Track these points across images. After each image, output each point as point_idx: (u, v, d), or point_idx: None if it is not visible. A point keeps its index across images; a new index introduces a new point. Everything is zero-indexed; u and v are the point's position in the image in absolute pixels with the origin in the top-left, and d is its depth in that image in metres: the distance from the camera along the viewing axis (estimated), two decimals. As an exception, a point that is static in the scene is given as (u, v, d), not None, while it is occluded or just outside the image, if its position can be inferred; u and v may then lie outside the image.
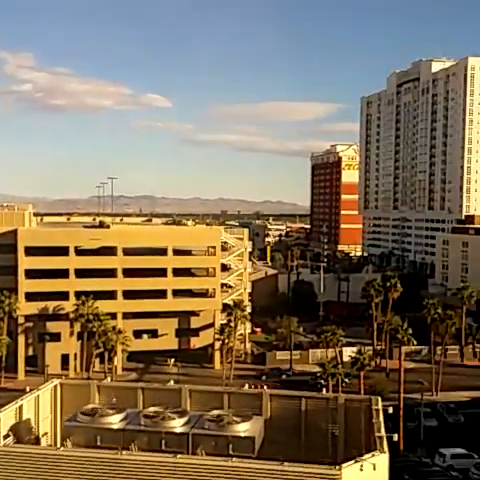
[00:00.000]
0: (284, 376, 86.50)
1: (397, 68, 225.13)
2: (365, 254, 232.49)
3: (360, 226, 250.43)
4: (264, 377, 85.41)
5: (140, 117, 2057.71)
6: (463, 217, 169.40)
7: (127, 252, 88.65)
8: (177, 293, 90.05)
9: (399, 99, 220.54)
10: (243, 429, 31.87)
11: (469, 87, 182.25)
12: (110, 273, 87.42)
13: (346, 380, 76.20)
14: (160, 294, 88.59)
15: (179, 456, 27.72)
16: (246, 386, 39.40)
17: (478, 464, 55.92)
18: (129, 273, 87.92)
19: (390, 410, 36.37)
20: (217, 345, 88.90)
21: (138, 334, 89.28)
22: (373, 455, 27.64)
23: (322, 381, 68.09)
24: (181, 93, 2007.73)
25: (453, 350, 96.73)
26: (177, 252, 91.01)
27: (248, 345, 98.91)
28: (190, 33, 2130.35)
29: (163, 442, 31.28)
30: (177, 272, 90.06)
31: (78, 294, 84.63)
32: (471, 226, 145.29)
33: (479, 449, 59.88)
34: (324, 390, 41.45)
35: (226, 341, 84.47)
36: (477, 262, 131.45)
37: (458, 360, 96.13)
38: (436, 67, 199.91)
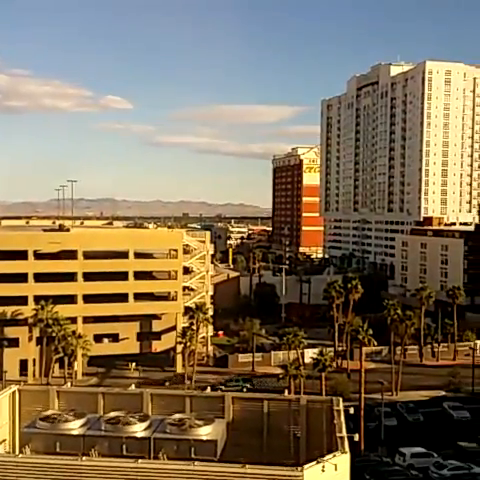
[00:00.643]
0: (244, 389, 76.53)
1: (357, 72, 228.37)
2: (326, 256, 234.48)
3: (321, 228, 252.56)
4: (167, 383, 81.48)
5: (100, 119, 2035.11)
6: (421, 219, 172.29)
7: (88, 255, 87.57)
8: (138, 296, 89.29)
9: (359, 102, 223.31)
10: (205, 432, 31.76)
11: (427, 91, 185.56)
12: (70, 277, 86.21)
13: (246, 385, 77.27)
14: (121, 298, 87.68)
15: (140, 461, 27.47)
16: (208, 389, 39.30)
17: (437, 463, 56.77)
18: (90, 277, 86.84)
19: (351, 410, 36.66)
20: (179, 348, 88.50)
21: (99, 338, 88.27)
22: (334, 456, 27.84)
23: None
24: (142, 95, 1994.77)
25: (412, 350, 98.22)
26: (138, 255, 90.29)
27: (210, 348, 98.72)
28: (151, 35, 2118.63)
29: (124, 447, 30.97)
30: (138, 275, 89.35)
31: (37, 298, 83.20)
32: (429, 228, 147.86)
33: (438, 448, 60.89)
34: (286, 392, 41.48)
35: (188, 344, 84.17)
36: (435, 263, 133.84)
37: (417, 360, 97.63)
38: (395, 71, 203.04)
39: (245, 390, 73.99)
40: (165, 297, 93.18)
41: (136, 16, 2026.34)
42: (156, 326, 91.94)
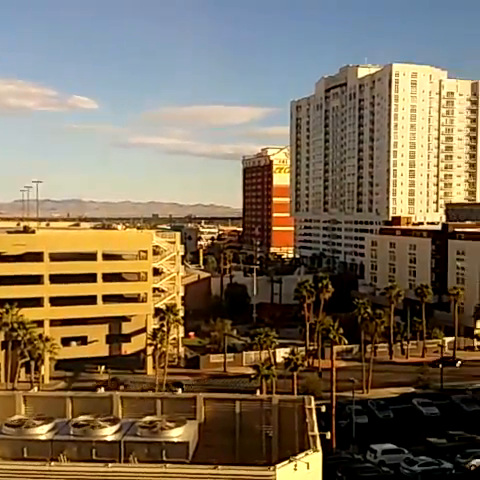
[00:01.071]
0: None
1: (326, 73, 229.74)
2: (297, 256, 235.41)
3: (292, 228, 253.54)
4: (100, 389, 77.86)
5: (67, 119, 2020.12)
6: (390, 218, 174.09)
7: (54, 257, 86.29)
8: (107, 298, 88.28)
9: (327, 104, 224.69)
10: (177, 434, 31.46)
11: (393, 92, 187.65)
12: (36, 279, 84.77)
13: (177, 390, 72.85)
14: (90, 300, 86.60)
15: (111, 465, 27.06)
16: (180, 391, 38.96)
17: (408, 459, 57.25)
18: (57, 279, 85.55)
19: (323, 409, 36.74)
20: (149, 350, 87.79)
21: (66, 341, 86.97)
22: (306, 454, 27.81)
23: None
24: (110, 95, 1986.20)
25: (382, 348, 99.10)
26: (107, 257, 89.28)
27: (181, 349, 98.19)
28: (119, 35, 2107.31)
29: (94, 451, 30.49)
30: (107, 277, 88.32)
31: (1, 302, 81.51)
32: (397, 227, 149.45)
33: (409, 444, 61.45)
34: (258, 392, 41.40)
35: (159, 346, 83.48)
36: (403, 262, 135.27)
37: (387, 358, 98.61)
38: (362, 73, 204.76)
39: None
40: (135, 299, 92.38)
41: (103, 16, 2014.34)
42: (126, 328, 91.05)
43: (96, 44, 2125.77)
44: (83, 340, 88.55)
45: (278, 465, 26.52)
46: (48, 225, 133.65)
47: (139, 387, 77.98)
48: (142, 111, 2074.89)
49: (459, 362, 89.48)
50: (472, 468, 56.49)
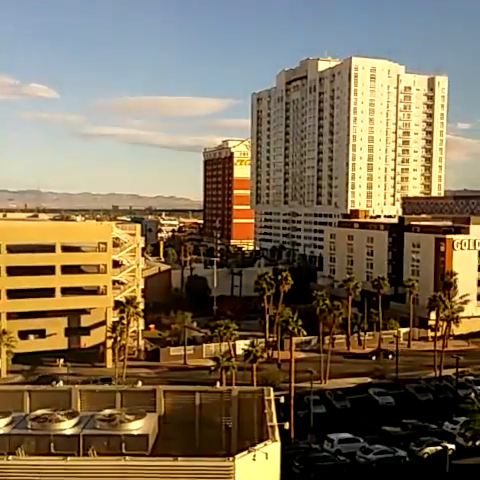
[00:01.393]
0: None
1: (287, 66, 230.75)
2: (257, 248, 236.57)
3: (252, 221, 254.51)
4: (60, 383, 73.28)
5: (24, 108, 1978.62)
6: (349, 211, 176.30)
7: (11, 249, 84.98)
8: (66, 291, 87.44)
9: (288, 96, 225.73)
10: (136, 427, 31.64)
11: (353, 86, 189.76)
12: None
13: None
14: (48, 292, 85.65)
15: (69, 458, 27.11)
16: (139, 383, 39.06)
17: (364, 447, 58.51)
18: (14, 271, 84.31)
19: (282, 400, 37.32)
20: (109, 343, 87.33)
21: (24, 335, 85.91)
22: (265, 444, 28.34)
23: None
24: (69, 84, 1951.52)
25: (340, 339, 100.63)
26: (66, 249, 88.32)
27: (141, 342, 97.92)
28: (80, 23, 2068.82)
29: (52, 445, 30.48)
30: (66, 269, 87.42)
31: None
32: (356, 220, 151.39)
33: (364, 433, 62.75)
34: (218, 383, 41.75)
35: (118, 339, 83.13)
36: (361, 254, 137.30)
37: (345, 348, 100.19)
38: (322, 66, 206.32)
39: None
40: (94, 291, 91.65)
41: (64, 4, 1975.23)
42: (85, 321, 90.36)
43: (56, 32, 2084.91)
44: (41, 333, 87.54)
45: (237, 456, 26.95)
46: (5, 216, 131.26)
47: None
48: (102, 101, 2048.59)
49: (390, 356, 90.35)
50: (425, 456, 58.09)
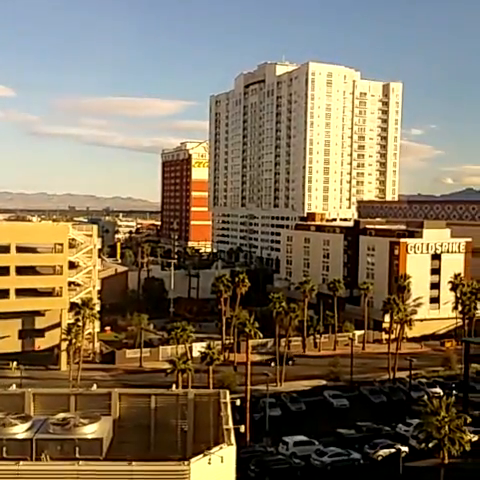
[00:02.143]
0: None
1: (245, 69, 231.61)
2: (214, 250, 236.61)
3: (210, 223, 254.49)
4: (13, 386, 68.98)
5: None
6: (305, 214, 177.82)
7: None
8: (21, 292, 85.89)
9: (246, 100, 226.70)
10: (90, 431, 31.30)
11: (310, 91, 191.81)
12: None
13: None
14: (2, 293, 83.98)
15: (22, 463, 26.68)
16: (94, 386, 38.66)
17: (318, 450, 59.06)
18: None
19: (238, 402, 37.50)
20: (64, 345, 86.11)
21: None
22: (221, 448, 28.37)
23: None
24: (26, 83, 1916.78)
25: (296, 341, 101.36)
26: (21, 249, 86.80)
27: (97, 344, 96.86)
28: (36, 20, 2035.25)
29: (4, 449, 29.93)
30: (21, 270, 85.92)
31: None
32: (312, 223, 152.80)
33: (319, 435, 63.35)
34: (174, 386, 41.62)
35: (73, 341, 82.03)
36: (317, 257, 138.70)
37: (300, 351, 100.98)
38: (280, 70, 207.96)
39: None
40: (49, 293, 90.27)
41: (22, 1, 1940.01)
42: (39, 323, 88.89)
43: (12, 29, 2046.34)
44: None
45: (192, 459, 26.94)
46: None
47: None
48: (59, 100, 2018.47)
49: (291, 362, 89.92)
50: (379, 458, 58.96)
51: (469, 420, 53.84)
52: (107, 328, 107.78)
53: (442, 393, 73.14)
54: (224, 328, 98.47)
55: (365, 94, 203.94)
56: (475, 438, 59.08)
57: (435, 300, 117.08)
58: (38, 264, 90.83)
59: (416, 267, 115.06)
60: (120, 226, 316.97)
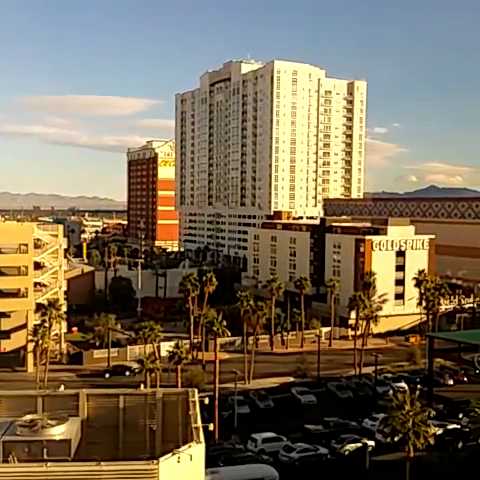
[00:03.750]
0: None
1: (210, 67, 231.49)
2: (182, 249, 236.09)
3: (177, 222, 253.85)
4: None
5: None
6: (272, 213, 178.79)
7: None
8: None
9: (212, 98, 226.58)
10: (58, 432, 31.22)
11: (275, 89, 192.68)
12: None
13: None
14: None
15: (-11, 466, 26.50)
16: (62, 387, 38.50)
17: (287, 446, 59.63)
18: None
19: (206, 401, 37.64)
20: (30, 347, 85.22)
21: None
22: (190, 446, 28.59)
23: None
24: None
25: (264, 339, 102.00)
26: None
27: (64, 345, 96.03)
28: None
29: (-29, 453, 29.66)
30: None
31: None
32: (278, 221, 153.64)
33: (288, 432, 63.96)
34: (142, 386, 41.64)
35: (40, 342, 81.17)
36: (284, 255, 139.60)
37: (268, 348, 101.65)
38: (245, 69, 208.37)
39: None
40: (15, 294, 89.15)
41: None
42: (5, 324, 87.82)
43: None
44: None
45: (161, 458, 27.10)
46: None
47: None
48: (21, 98, 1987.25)
49: (128, 372, 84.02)
50: (346, 453, 59.74)
51: (433, 414, 55.01)
52: (74, 329, 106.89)
53: (407, 387, 74.49)
54: (192, 327, 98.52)
55: (330, 92, 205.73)
56: (439, 431, 60.27)
57: (400, 296, 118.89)
58: (3, 265, 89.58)
59: (381, 264, 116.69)
60: (86, 226, 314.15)
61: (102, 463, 26.47)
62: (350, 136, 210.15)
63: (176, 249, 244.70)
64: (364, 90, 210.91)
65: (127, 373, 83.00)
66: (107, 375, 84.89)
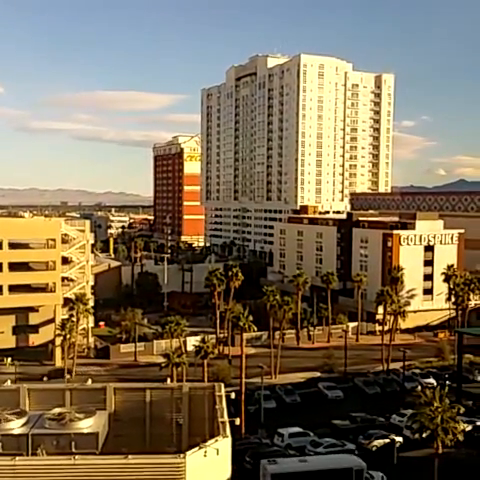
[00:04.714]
0: None
1: (236, 62, 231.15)
2: (207, 244, 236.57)
3: (202, 217, 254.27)
4: (45, 378, 70.75)
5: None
6: (298, 207, 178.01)
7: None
8: (14, 288, 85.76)
9: (238, 92, 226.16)
10: (86, 425, 31.45)
11: (302, 83, 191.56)
12: None
13: None
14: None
15: (18, 458, 26.81)
16: (89, 381, 38.78)
17: (313, 441, 59.36)
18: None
19: (232, 395, 37.62)
20: (58, 341, 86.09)
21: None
22: (216, 440, 28.59)
23: None
24: (14, 78, 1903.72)
25: (290, 334, 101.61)
26: (13, 245, 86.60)
27: (91, 339, 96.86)
28: (24, 16, 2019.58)
29: (0, 445, 30.03)
30: (14, 266, 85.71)
31: None
32: (305, 216, 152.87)
33: (314, 427, 63.64)
34: (168, 380, 41.75)
35: (68, 336, 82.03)
36: (311, 250, 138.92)
37: (295, 343, 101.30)
38: (272, 63, 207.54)
39: None
40: (43, 288, 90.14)
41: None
42: (33, 319, 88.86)
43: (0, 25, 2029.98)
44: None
45: (188, 452, 27.13)
46: None
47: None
48: (49, 95, 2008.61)
49: (68, 376, 78.03)
50: (374, 449, 59.25)
51: (462, 410, 54.12)
52: (101, 323, 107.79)
53: (435, 384, 73.55)
54: (218, 322, 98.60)
55: (357, 86, 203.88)
56: (468, 428, 59.48)
57: (428, 291, 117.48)
58: (31, 260, 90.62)
59: (409, 259, 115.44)
60: (113, 221, 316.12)
61: (129, 456, 26.60)
62: (377, 129, 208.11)
63: (202, 244, 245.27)
64: (392, 83, 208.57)
65: (68, 377, 77.77)
66: (45, 378, 78.53)
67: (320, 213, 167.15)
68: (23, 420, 31.70)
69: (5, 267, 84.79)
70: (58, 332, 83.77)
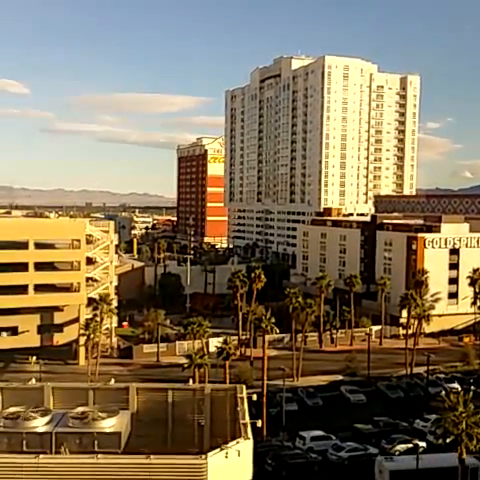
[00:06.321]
0: None
1: (261, 64, 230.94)
2: (230, 246, 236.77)
3: (225, 218, 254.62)
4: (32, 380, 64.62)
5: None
6: (321, 209, 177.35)
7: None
8: (39, 288, 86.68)
9: (262, 94, 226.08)
10: (109, 425, 31.66)
11: (326, 85, 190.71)
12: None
13: None
14: (21, 289, 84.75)
15: (42, 456, 27.08)
16: (112, 381, 39.02)
17: (335, 445, 59.04)
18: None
19: (254, 397, 37.56)
20: (82, 340, 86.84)
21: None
22: (238, 442, 28.57)
23: None
24: (40, 80, 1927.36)
25: (312, 337, 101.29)
26: (39, 245, 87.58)
27: (114, 339, 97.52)
28: (49, 19, 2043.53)
29: (24, 443, 30.41)
30: (39, 266, 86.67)
31: None
32: (328, 218, 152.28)
33: (336, 430, 63.30)
34: (191, 381, 41.85)
35: (91, 336, 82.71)
36: (334, 252, 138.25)
37: (317, 346, 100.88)
38: (296, 64, 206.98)
39: None
40: (67, 288, 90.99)
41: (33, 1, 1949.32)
42: (58, 318, 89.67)
43: (26, 27, 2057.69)
44: (14, 330, 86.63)
45: (210, 453, 27.16)
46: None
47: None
48: (73, 97, 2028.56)
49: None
50: (397, 453, 58.73)
51: (487, 415, 53.41)
52: (124, 323, 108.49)
53: (460, 389, 72.63)
54: (240, 323, 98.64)
55: (382, 87, 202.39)
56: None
57: (453, 295, 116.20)
58: (56, 260, 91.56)
59: (434, 262, 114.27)
60: (136, 222, 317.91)
61: (151, 456, 26.71)
62: (402, 131, 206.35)
63: (225, 245, 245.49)
64: (417, 85, 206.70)
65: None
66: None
67: (344, 215, 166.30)
68: (47, 418, 32.02)
69: (31, 267, 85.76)
70: (82, 332, 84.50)
